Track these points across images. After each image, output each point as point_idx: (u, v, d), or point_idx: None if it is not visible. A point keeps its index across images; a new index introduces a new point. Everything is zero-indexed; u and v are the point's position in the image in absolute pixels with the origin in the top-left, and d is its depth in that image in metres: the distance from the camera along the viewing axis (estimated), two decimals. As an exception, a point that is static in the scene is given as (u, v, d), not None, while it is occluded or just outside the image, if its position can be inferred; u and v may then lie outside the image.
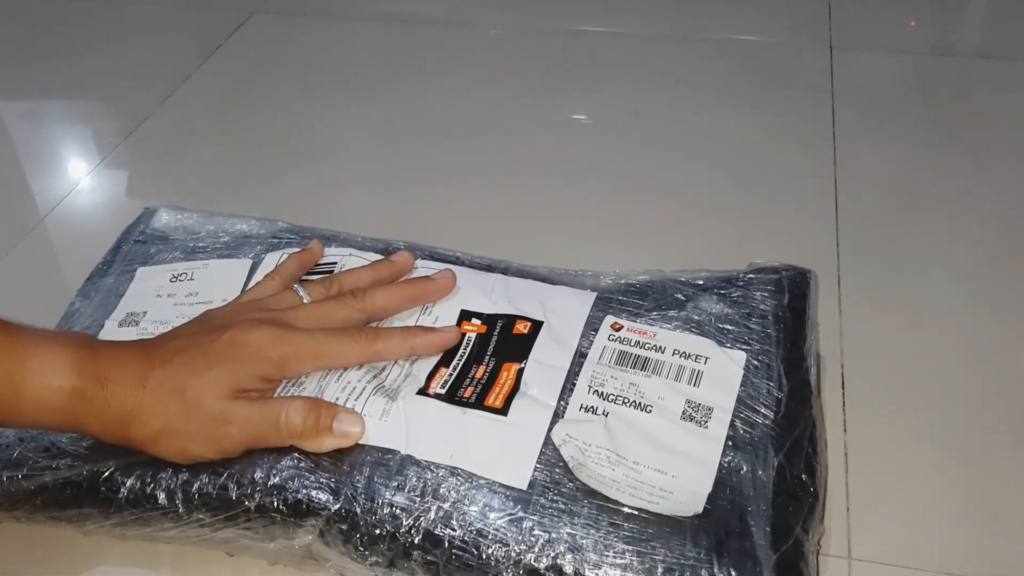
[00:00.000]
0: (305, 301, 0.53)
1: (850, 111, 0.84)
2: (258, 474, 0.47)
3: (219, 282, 0.60)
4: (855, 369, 0.60)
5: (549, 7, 1.05)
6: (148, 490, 0.48)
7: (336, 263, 0.60)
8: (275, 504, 0.46)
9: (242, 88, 0.93)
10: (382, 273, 0.56)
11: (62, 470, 0.49)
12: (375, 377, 0.51)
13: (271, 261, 0.60)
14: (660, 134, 0.84)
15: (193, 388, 0.46)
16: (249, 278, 0.60)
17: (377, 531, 0.46)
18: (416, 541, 0.45)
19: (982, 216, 0.72)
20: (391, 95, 0.91)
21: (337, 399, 0.49)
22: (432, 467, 0.47)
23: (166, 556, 0.51)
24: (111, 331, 0.58)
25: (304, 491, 0.46)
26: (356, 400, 0.49)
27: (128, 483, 0.48)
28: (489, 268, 0.59)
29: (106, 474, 0.49)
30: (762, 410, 0.50)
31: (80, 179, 0.81)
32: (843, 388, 0.59)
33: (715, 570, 0.43)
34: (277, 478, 0.47)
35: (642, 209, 0.74)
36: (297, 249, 0.60)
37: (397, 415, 0.49)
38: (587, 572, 0.44)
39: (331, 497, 0.46)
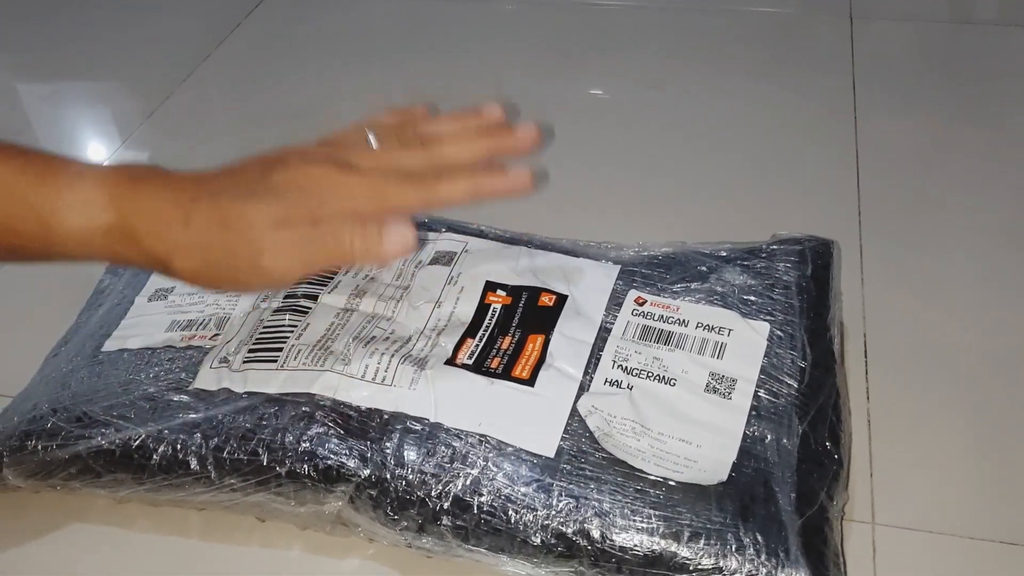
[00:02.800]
0: (374, 146, 0.48)
1: (871, 82, 0.84)
2: (289, 439, 0.48)
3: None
4: (877, 339, 0.60)
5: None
6: (180, 456, 0.49)
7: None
8: (306, 470, 0.47)
9: (260, 67, 0.93)
10: (466, 123, 0.49)
11: (95, 439, 0.50)
12: (402, 347, 0.51)
13: None
14: (679, 107, 0.84)
15: (238, 218, 0.44)
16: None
17: (407, 497, 0.46)
18: (445, 506, 0.46)
19: (1004, 188, 0.72)
20: (408, 71, 0.91)
21: (366, 366, 0.50)
22: (461, 435, 0.48)
23: (198, 521, 0.52)
24: (141, 306, 0.59)
25: (334, 457, 0.47)
26: (386, 371, 0.50)
27: (160, 450, 0.49)
28: (512, 241, 0.60)
29: (138, 442, 0.50)
30: (786, 380, 0.51)
31: (102, 161, 0.81)
32: (866, 357, 0.59)
33: (741, 534, 0.44)
34: (308, 444, 0.48)
35: (662, 183, 0.74)
36: None
37: (425, 384, 0.49)
38: (614, 536, 0.44)
39: (361, 463, 0.47)
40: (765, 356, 0.52)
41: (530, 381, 0.50)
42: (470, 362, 0.51)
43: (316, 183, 0.45)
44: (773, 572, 0.43)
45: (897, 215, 0.70)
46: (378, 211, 0.45)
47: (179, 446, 0.49)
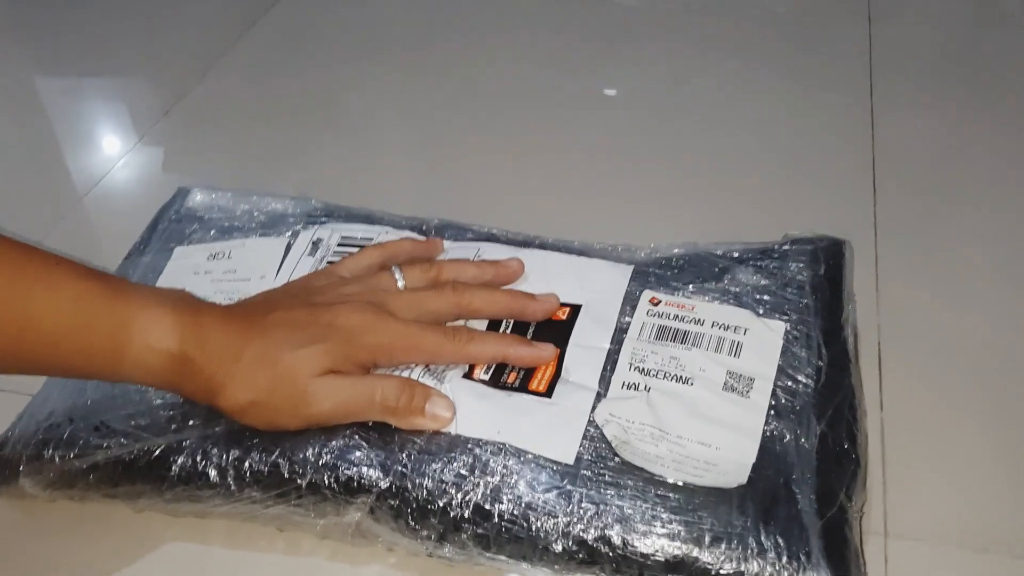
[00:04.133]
0: (400, 285, 0.53)
1: (888, 82, 0.83)
2: (309, 452, 0.48)
3: (256, 260, 0.60)
4: (892, 342, 0.60)
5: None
6: (200, 467, 0.49)
7: (372, 239, 0.60)
8: (326, 481, 0.47)
9: (279, 63, 0.93)
10: (486, 273, 0.55)
11: (113, 449, 0.50)
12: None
13: (304, 240, 0.61)
14: (694, 105, 0.83)
15: (286, 363, 0.47)
16: (285, 256, 0.60)
17: (427, 506, 0.47)
18: (466, 515, 0.46)
19: (1022, 189, 0.71)
20: (426, 68, 0.91)
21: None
22: (480, 444, 0.48)
23: (218, 532, 0.52)
24: None
25: (355, 468, 0.47)
26: None
27: (180, 460, 0.49)
28: (524, 244, 0.59)
29: (157, 452, 0.50)
30: (802, 379, 0.51)
31: (120, 157, 0.82)
32: (880, 363, 0.58)
33: (762, 538, 0.44)
34: (328, 456, 0.48)
35: (677, 181, 0.74)
36: (340, 225, 0.61)
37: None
38: (635, 542, 0.45)
39: (381, 474, 0.47)
40: (781, 355, 0.52)
41: (547, 394, 0.50)
42: (486, 377, 0.51)
43: (359, 328, 0.49)
44: (795, 575, 0.43)
45: (913, 217, 0.69)
46: (411, 359, 0.50)
47: (199, 457, 0.49)
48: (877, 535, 0.49)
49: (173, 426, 0.50)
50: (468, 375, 0.51)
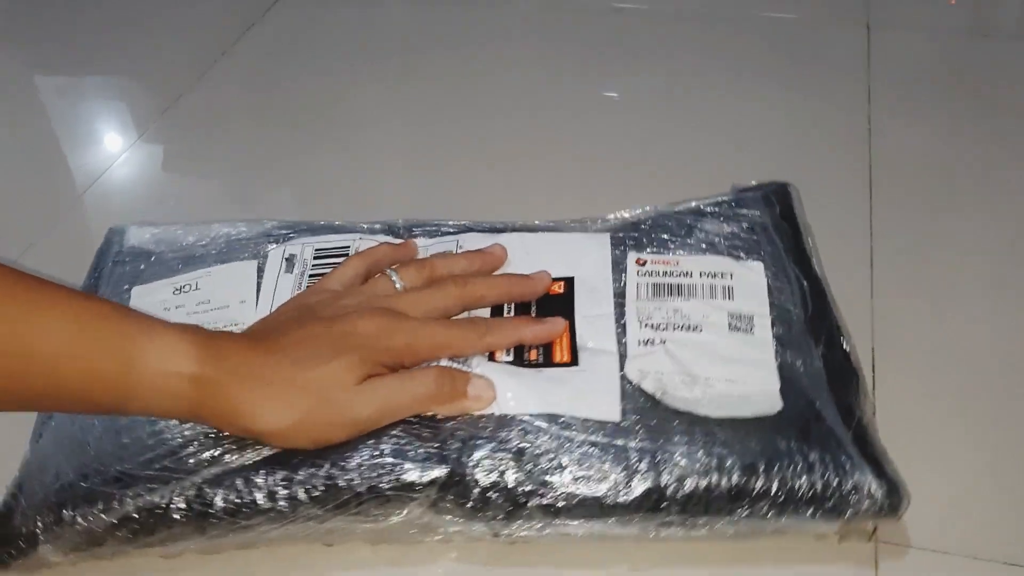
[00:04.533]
0: (399, 287, 0.53)
1: (886, 92, 0.83)
2: (360, 458, 0.48)
3: (229, 286, 0.59)
4: (885, 351, 0.59)
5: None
6: (246, 497, 0.48)
7: (348, 247, 0.60)
8: (387, 482, 0.47)
9: (276, 65, 0.94)
10: (474, 263, 0.56)
11: (144, 496, 0.48)
12: None
13: (276, 258, 0.60)
14: (691, 113, 0.83)
15: (321, 379, 0.46)
16: (260, 278, 0.59)
17: (490, 488, 0.47)
18: (530, 488, 0.47)
19: (1018, 200, 0.71)
20: (423, 73, 0.91)
21: None
22: (528, 419, 0.49)
23: (262, 561, 0.50)
24: None
25: (413, 465, 0.47)
26: None
27: (222, 494, 0.48)
28: (499, 230, 0.61)
29: (194, 491, 0.48)
30: (792, 308, 0.55)
31: (118, 155, 0.82)
32: (873, 370, 0.58)
33: (807, 454, 0.48)
34: (383, 457, 0.48)
35: (675, 188, 0.71)
36: (310, 239, 0.60)
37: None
38: (695, 482, 0.47)
39: (440, 465, 0.47)
40: (768, 292, 0.56)
41: (573, 361, 0.52)
42: (510, 358, 0.52)
43: (380, 333, 0.49)
44: (843, 481, 0.47)
45: (909, 225, 0.69)
46: (435, 355, 0.50)
47: (242, 486, 0.48)
48: (868, 541, 0.49)
49: (205, 460, 0.49)
50: (492, 359, 0.52)
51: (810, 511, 0.47)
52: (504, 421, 0.49)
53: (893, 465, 0.49)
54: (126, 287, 0.61)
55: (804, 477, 0.47)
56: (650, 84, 0.88)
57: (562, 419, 0.49)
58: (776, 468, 0.47)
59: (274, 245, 0.61)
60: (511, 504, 0.48)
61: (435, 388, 0.49)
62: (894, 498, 0.47)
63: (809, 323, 0.55)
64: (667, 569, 0.49)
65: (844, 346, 0.54)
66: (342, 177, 0.78)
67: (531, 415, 0.49)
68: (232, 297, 0.58)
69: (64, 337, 0.42)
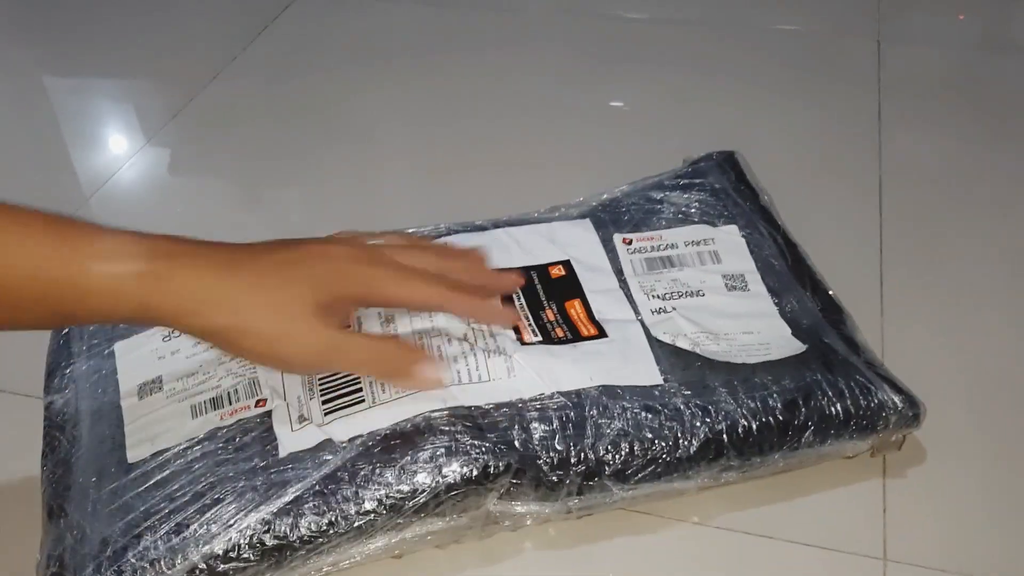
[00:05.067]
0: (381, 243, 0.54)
1: (897, 105, 0.83)
2: (434, 455, 0.48)
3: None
4: (895, 359, 0.58)
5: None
6: (322, 522, 0.47)
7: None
8: (465, 474, 0.47)
9: (287, 69, 0.94)
10: (458, 259, 0.56)
11: (208, 544, 0.46)
12: (472, 346, 0.53)
13: None
14: (699, 124, 0.82)
15: (283, 292, 0.46)
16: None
17: (562, 464, 0.49)
18: (598, 456, 0.49)
19: None
20: (433, 77, 0.92)
21: (458, 372, 0.51)
22: (580, 394, 0.51)
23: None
24: (135, 408, 0.53)
25: (483, 455, 0.48)
26: (477, 369, 0.51)
27: (293, 523, 0.46)
28: (482, 228, 0.62)
29: (264, 527, 0.46)
30: (774, 262, 0.60)
31: (128, 158, 0.82)
32: None
33: (835, 382, 0.52)
34: (454, 452, 0.48)
35: None
36: None
37: (521, 366, 0.52)
38: (747, 423, 0.50)
39: (510, 451, 0.48)
40: (748, 249, 0.60)
41: (602, 334, 0.54)
42: (540, 339, 0.54)
43: (352, 259, 0.49)
44: (870, 401, 0.52)
45: (920, 240, 0.69)
46: (402, 298, 0.50)
47: (316, 511, 0.47)
48: (876, 559, 0.50)
49: (263, 496, 0.47)
50: (523, 342, 0.53)
51: (848, 432, 0.51)
52: (559, 398, 0.51)
53: (906, 386, 0.54)
54: (102, 346, 0.58)
55: (837, 403, 0.51)
56: (658, 94, 0.88)
57: (609, 389, 0.51)
58: (812, 400, 0.51)
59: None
60: (581, 478, 0.49)
61: (382, 358, 0.49)
62: (914, 409, 0.52)
63: (792, 272, 0.59)
64: (730, 514, 0.52)
65: (825, 289, 0.59)
66: (351, 180, 0.79)
67: (578, 390, 0.51)
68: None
69: (9, 249, 0.43)
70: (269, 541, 0.46)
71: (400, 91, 0.91)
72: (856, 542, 0.50)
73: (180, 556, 0.46)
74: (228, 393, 0.52)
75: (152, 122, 0.87)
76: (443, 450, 0.48)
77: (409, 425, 0.49)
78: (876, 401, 0.52)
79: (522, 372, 0.51)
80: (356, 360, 0.49)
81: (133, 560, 0.46)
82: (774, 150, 0.78)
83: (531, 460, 0.49)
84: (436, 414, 0.49)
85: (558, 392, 0.51)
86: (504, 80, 0.91)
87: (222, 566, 0.46)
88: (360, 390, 0.51)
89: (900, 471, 0.54)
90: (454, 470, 0.48)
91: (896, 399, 0.52)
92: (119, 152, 0.83)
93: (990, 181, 0.75)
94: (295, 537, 0.46)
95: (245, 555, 0.46)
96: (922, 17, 0.99)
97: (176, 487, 0.48)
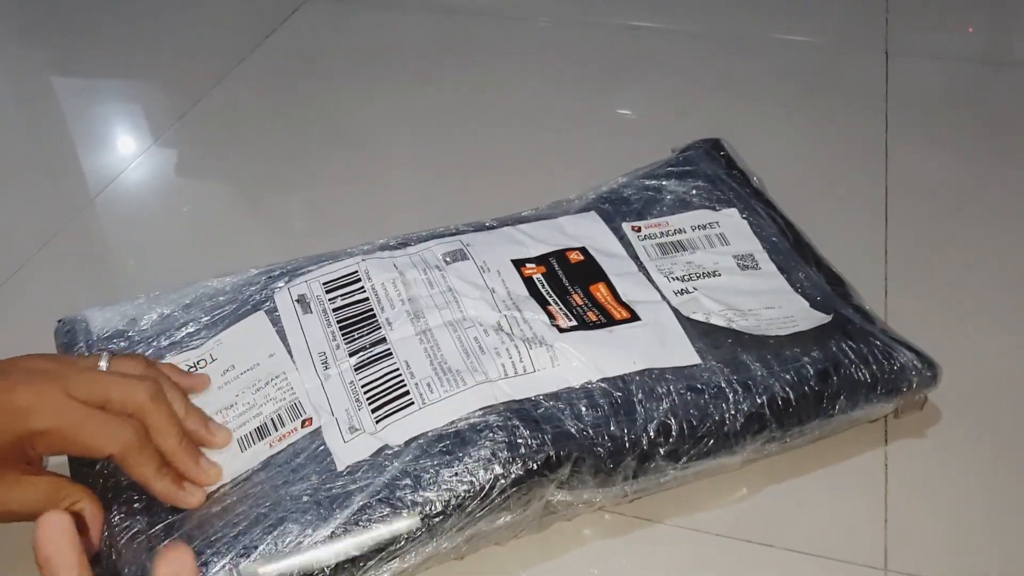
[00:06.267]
0: (103, 366, 0.50)
1: (904, 117, 0.83)
2: (495, 450, 0.48)
3: (248, 345, 0.56)
4: None
5: (600, 1, 1.05)
6: (390, 526, 0.46)
7: (355, 271, 0.58)
8: (531, 465, 0.48)
9: (293, 73, 0.94)
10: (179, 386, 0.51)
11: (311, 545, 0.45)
12: (510, 336, 0.53)
13: (285, 304, 0.57)
14: (707, 132, 0.77)
15: None
16: (277, 326, 0.56)
17: (617, 450, 0.50)
18: (652, 439, 0.50)
19: None
20: (438, 85, 0.91)
21: (502, 366, 0.52)
22: (625, 378, 0.52)
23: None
24: None
25: (542, 447, 0.48)
26: (520, 361, 0.52)
27: (363, 527, 0.46)
28: (493, 227, 0.63)
29: (340, 539, 0.46)
30: (776, 240, 0.62)
31: (134, 158, 0.82)
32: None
33: (859, 348, 0.55)
34: (515, 446, 0.48)
35: None
36: (311, 274, 0.59)
37: (564, 356, 0.52)
38: (787, 394, 0.52)
39: (567, 440, 0.49)
40: (751, 230, 0.62)
41: (634, 316, 0.55)
42: (575, 323, 0.54)
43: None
44: (893, 364, 0.54)
45: (924, 252, 0.69)
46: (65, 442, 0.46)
47: (383, 515, 0.46)
48: (877, 569, 0.50)
49: (332, 510, 0.47)
50: (558, 327, 0.54)
51: (876, 395, 0.54)
52: (606, 384, 0.52)
53: (917, 345, 0.56)
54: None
55: (864, 369, 0.54)
56: (663, 102, 0.89)
57: (651, 372, 0.52)
58: (841, 368, 0.54)
59: (273, 291, 0.58)
60: (636, 461, 0.50)
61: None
62: (932, 369, 0.55)
63: (795, 249, 0.62)
64: (731, 522, 0.53)
65: (826, 263, 0.62)
66: (356, 185, 0.78)
67: (622, 375, 0.52)
68: (258, 354, 0.55)
69: None
70: (340, 555, 0.46)
71: (406, 98, 0.91)
72: (857, 551, 0.51)
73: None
74: (272, 420, 0.52)
75: (160, 123, 0.87)
76: (504, 445, 0.48)
77: (464, 423, 0.49)
78: (898, 364, 0.54)
79: (566, 361, 0.52)
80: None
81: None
82: (780, 159, 0.78)
83: (589, 447, 0.49)
84: (490, 410, 0.50)
85: (603, 378, 0.52)
86: (510, 87, 0.92)
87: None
88: (408, 392, 0.51)
89: (902, 480, 0.54)
90: (517, 464, 0.48)
91: (915, 361, 0.55)
92: (126, 152, 0.84)
93: (996, 193, 0.75)
94: (366, 548, 0.46)
95: (318, 573, 0.46)
96: (930, 29, 0.99)
97: (239, 512, 0.47)
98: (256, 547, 0.45)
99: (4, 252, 0.72)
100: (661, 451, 0.50)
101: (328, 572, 0.45)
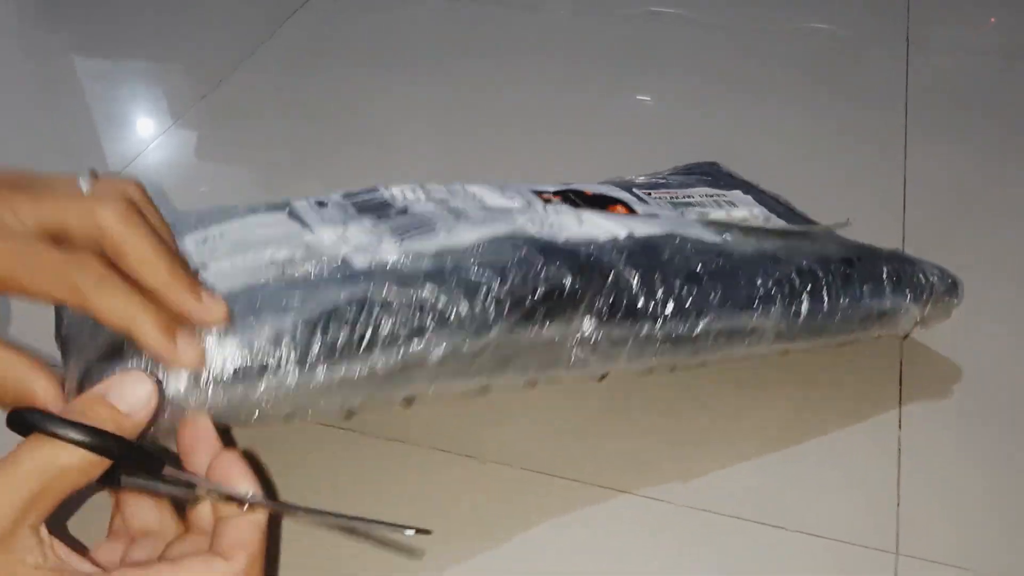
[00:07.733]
0: (84, 189, 0.39)
1: (924, 110, 0.82)
2: (522, 260, 0.47)
3: (265, 226, 0.52)
4: (913, 378, 0.57)
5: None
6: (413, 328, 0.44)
7: (378, 190, 0.56)
8: (565, 284, 0.47)
9: (312, 58, 0.94)
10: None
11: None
12: (533, 210, 0.53)
13: (304, 207, 0.54)
14: (722, 127, 0.80)
15: None
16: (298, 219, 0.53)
17: (646, 284, 0.49)
18: (681, 291, 0.50)
19: None
20: (454, 74, 0.90)
21: (533, 217, 0.51)
22: (653, 238, 0.52)
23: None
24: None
25: (572, 270, 0.48)
26: (547, 219, 0.52)
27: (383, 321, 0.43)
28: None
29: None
30: (779, 207, 0.63)
31: (155, 138, 0.82)
32: (900, 386, 0.57)
33: (879, 251, 0.57)
34: (547, 264, 0.47)
35: None
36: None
37: (591, 219, 0.53)
38: (813, 268, 0.53)
39: (598, 267, 0.48)
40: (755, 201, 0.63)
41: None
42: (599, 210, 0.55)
43: None
44: (914, 269, 0.56)
45: (942, 247, 0.66)
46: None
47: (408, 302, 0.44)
48: (888, 553, 0.49)
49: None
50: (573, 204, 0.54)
51: (900, 292, 0.55)
52: (630, 241, 0.51)
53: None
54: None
55: (885, 266, 0.55)
56: (683, 90, 0.88)
57: (679, 237, 0.53)
58: (863, 259, 0.55)
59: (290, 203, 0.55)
60: (664, 308, 0.49)
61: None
62: (951, 278, 0.57)
63: (793, 215, 0.63)
64: (742, 504, 0.51)
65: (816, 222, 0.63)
66: (368, 173, 0.75)
67: (651, 235, 0.52)
68: (275, 235, 0.51)
69: None
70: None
71: (420, 87, 0.90)
72: (869, 535, 0.49)
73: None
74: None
75: (180, 104, 0.87)
76: (540, 261, 0.47)
77: (494, 244, 0.48)
78: (921, 271, 0.56)
79: (592, 223, 0.52)
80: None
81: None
82: (798, 149, 0.79)
83: (619, 279, 0.48)
84: (521, 239, 0.49)
85: (632, 235, 0.51)
86: (527, 77, 0.91)
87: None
88: (433, 225, 0.50)
89: (915, 463, 0.53)
90: (547, 277, 0.47)
91: (937, 272, 0.56)
92: (145, 134, 0.84)
93: (1016, 187, 0.74)
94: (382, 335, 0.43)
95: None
96: (952, 21, 0.97)
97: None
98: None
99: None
100: (688, 302, 0.49)
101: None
